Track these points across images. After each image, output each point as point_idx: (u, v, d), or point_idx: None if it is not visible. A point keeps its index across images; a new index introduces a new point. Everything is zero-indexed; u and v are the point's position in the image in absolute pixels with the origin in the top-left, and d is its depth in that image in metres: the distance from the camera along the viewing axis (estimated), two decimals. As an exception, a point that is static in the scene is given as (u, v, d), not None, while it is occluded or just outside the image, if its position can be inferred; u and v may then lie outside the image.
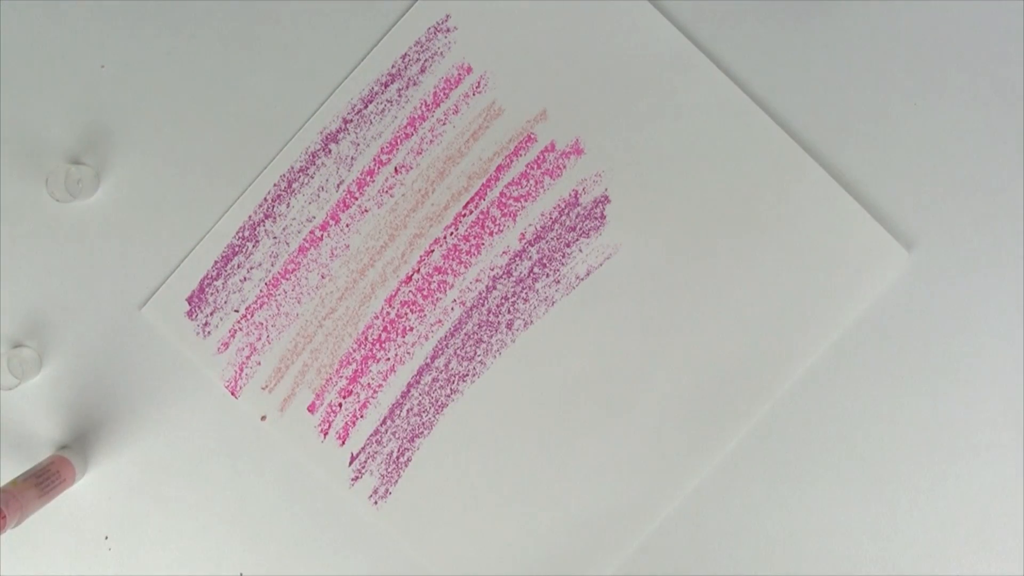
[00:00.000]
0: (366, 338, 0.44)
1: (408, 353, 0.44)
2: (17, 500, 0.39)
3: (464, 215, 0.44)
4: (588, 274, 0.44)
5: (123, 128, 0.44)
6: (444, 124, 0.44)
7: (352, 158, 0.44)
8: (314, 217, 0.44)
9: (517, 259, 0.44)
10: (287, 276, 0.44)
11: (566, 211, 0.44)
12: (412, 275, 0.44)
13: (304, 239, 0.44)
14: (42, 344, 0.45)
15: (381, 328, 0.44)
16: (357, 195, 0.44)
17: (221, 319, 0.45)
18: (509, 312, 0.44)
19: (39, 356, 0.44)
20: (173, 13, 0.44)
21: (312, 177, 0.44)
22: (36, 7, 0.44)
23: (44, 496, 0.41)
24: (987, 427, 0.44)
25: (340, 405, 0.45)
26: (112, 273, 0.45)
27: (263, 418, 0.45)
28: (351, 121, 0.44)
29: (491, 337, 0.44)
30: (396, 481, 0.44)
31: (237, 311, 0.44)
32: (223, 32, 0.44)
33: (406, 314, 0.44)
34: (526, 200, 0.44)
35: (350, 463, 0.45)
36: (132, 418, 0.45)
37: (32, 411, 0.45)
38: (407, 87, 0.44)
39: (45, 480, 0.41)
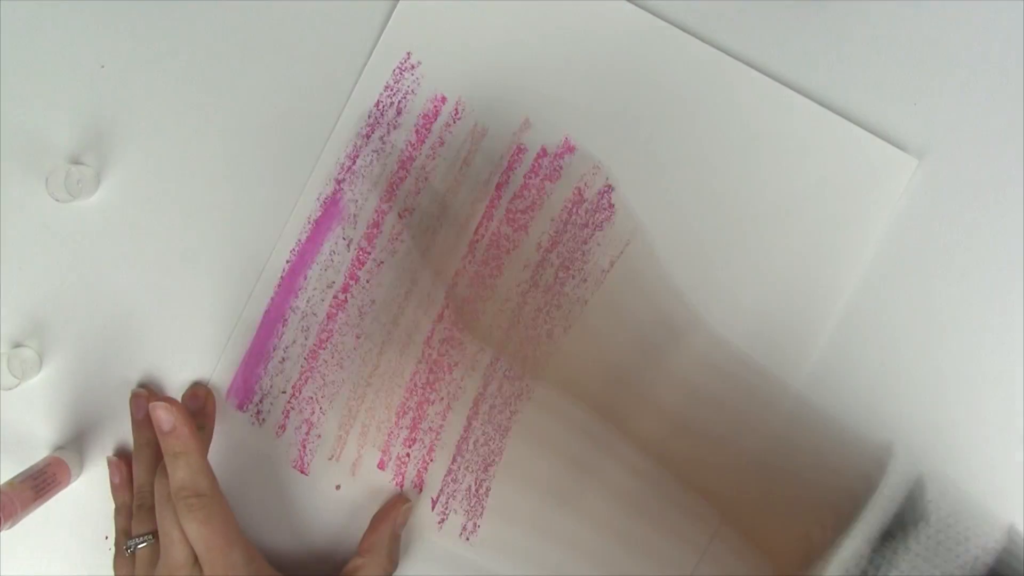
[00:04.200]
0: (415, 384, 0.45)
1: (459, 387, 0.45)
2: (13, 501, 0.40)
3: (477, 241, 0.44)
4: (612, 264, 0.44)
5: (123, 128, 0.45)
6: (434, 159, 0.44)
7: (355, 215, 0.44)
8: (333, 282, 0.45)
9: (540, 269, 0.44)
10: (323, 346, 0.45)
11: (574, 210, 0.44)
12: (443, 312, 0.44)
13: (330, 306, 0.45)
14: (42, 344, 0.45)
15: (427, 371, 0.45)
16: (369, 250, 0.44)
17: (272, 403, 0.45)
18: (546, 322, 0.44)
19: (39, 356, 0.45)
20: (173, 13, 0.44)
21: (321, 244, 0.44)
22: (36, 7, 0.44)
23: (40, 497, 0.42)
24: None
25: (408, 455, 0.45)
26: (112, 273, 0.45)
27: (337, 487, 0.45)
28: (343, 180, 0.44)
29: (535, 351, 0.44)
30: (481, 513, 0.45)
31: (284, 392, 0.45)
32: (223, 32, 0.44)
33: (447, 351, 0.45)
34: (533, 210, 0.44)
35: (432, 507, 0.45)
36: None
37: (31, 411, 0.45)
38: (388, 132, 0.44)
39: (41, 482, 0.42)
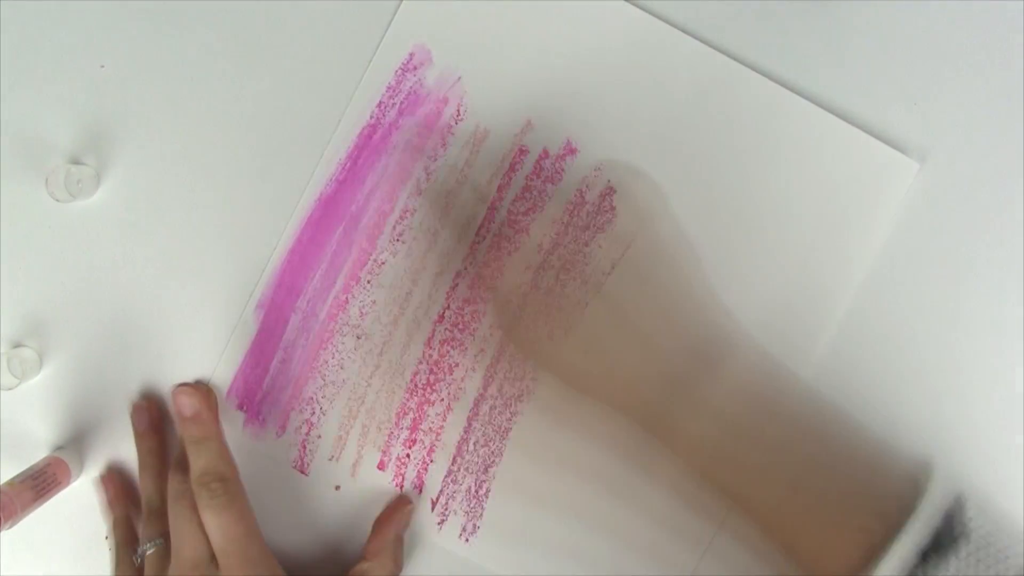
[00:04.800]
0: (416, 385, 0.45)
1: (460, 388, 0.45)
2: (13, 501, 0.40)
3: (478, 242, 0.44)
4: (613, 268, 0.44)
5: (123, 128, 0.45)
6: (435, 160, 0.44)
7: (355, 216, 0.44)
8: (334, 283, 0.45)
9: (540, 271, 0.44)
10: (324, 346, 0.45)
11: (576, 212, 0.44)
12: (443, 313, 0.44)
13: (330, 306, 0.45)
14: (42, 344, 0.45)
15: (427, 371, 0.45)
16: (370, 250, 0.44)
17: (272, 403, 0.45)
18: (547, 324, 0.44)
19: (39, 356, 0.45)
20: (173, 13, 0.44)
21: (322, 245, 0.44)
22: (36, 7, 0.44)
23: (40, 498, 0.42)
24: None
25: (408, 456, 0.45)
26: (112, 273, 0.45)
27: (337, 488, 0.45)
28: (345, 181, 0.44)
29: (536, 353, 0.44)
30: (481, 514, 0.45)
31: (285, 392, 0.45)
32: (224, 33, 0.44)
33: (448, 352, 0.45)
34: (534, 212, 0.44)
35: (432, 508, 0.45)
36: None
37: (31, 411, 0.45)
38: (390, 133, 0.44)
39: (41, 482, 0.42)
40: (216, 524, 0.39)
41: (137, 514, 0.45)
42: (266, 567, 0.40)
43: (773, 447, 0.39)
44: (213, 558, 0.39)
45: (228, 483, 0.40)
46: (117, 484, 0.45)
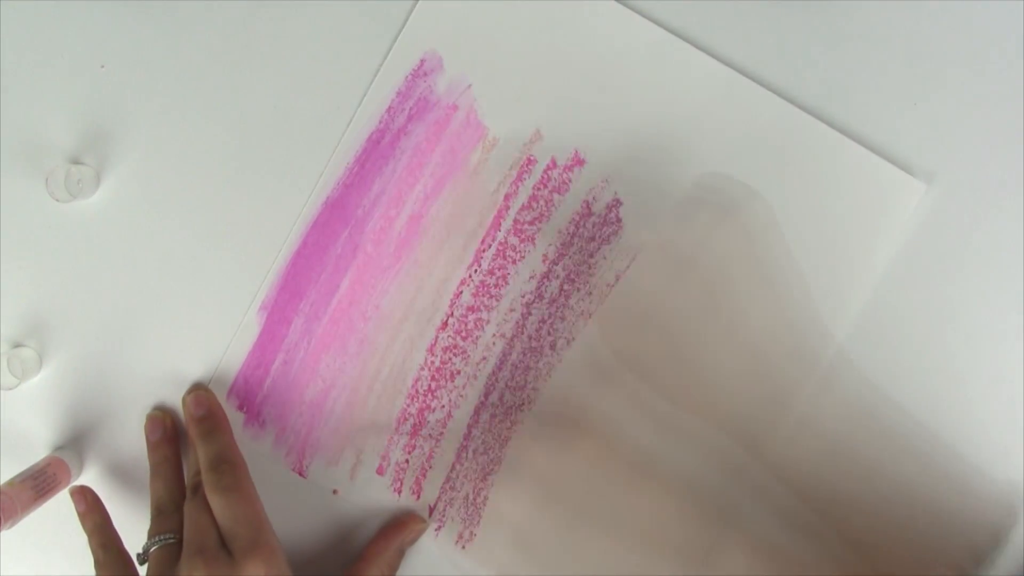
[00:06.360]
0: (417, 391, 0.45)
1: (461, 396, 0.45)
2: (13, 501, 0.40)
3: (484, 250, 0.44)
4: (618, 279, 0.44)
5: (123, 128, 0.44)
6: (443, 167, 0.44)
7: (361, 220, 0.44)
8: (338, 286, 0.44)
9: (545, 280, 0.44)
10: (326, 349, 0.45)
11: (582, 223, 0.44)
12: (447, 320, 0.44)
13: (334, 309, 0.44)
14: (42, 344, 0.45)
15: (429, 378, 0.45)
16: (375, 255, 0.44)
17: (272, 405, 0.45)
18: (549, 334, 0.44)
19: (39, 356, 0.45)
20: (173, 13, 0.44)
21: (327, 248, 0.44)
22: (36, 7, 0.44)
23: (40, 498, 0.42)
24: None
25: (407, 461, 0.45)
26: (112, 273, 0.45)
27: (335, 491, 0.45)
28: (351, 185, 0.44)
29: (538, 362, 0.44)
30: (478, 522, 0.45)
31: (286, 394, 0.45)
32: (225, 32, 0.44)
33: (450, 359, 0.45)
34: (540, 221, 0.44)
35: (430, 514, 0.45)
36: (132, 418, 0.45)
37: (31, 411, 0.45)
38: (398, 138, 0.44)
39: (41, 482, 0.42)
40: (223, 504, 0.39)
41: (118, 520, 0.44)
42: (273, 552, 0.39)
43: (867, 471, 0.40)
44: (223, 546, 0.39)
45: (236, 467, 0.41)
46: (89, 497, 0.44)
